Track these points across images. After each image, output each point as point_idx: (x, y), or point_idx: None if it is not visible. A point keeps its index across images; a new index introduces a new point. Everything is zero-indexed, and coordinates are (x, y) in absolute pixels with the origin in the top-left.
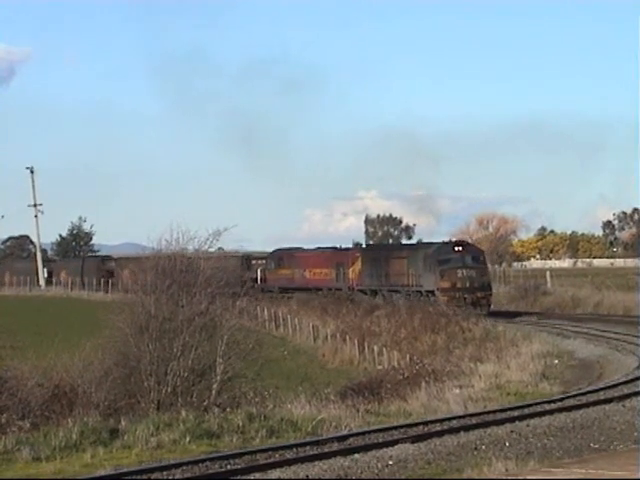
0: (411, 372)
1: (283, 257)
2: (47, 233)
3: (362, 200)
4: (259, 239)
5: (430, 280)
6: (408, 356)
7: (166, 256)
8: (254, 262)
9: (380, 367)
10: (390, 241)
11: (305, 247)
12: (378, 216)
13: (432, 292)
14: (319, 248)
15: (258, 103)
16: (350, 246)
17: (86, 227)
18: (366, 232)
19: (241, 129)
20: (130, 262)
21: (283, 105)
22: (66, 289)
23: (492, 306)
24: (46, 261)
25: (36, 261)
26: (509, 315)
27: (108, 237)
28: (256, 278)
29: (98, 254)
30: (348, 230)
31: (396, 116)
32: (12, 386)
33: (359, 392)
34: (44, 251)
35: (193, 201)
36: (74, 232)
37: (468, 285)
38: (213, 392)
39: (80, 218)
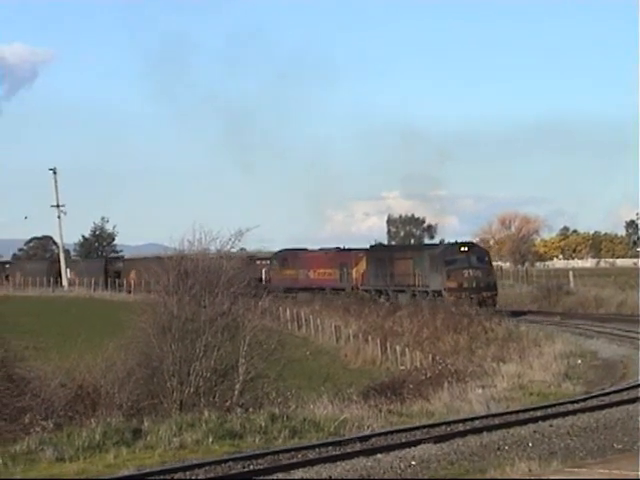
0: (433, 372)
1: (287, 257)
2: (70, 234)
3: (384, 200)
4: (281, 239)
5: (437, 280)
6: (430, 356)
7: (181, 256)
8: (258, 262)
9: (402, 367)
10: (412, 241)
11: (323, 247)
12: (400, 216)
13: (439, 292)
14: (322, 249)
15: (274, 105)
16: (354, 247)
17: (109, 228)
18: (388, 232)
19: (259, 130)
20: (136, 263)
21: (302, 106)
22: (89, 290)
23: (514, 306)
24: (52, 262)
25: (50, 261)
26: (531, 315)
27: (131, 238)
28: (260, 278)
29: (117, 254)
30: (370, 230)
31: (415, 116)
32: (35, 387)
33: (381, 392)
34: (67, 252)
35: (216, 201)
36: (97, 233)
37: (474, 285)
38: (236, 392)
39: (103, 219)
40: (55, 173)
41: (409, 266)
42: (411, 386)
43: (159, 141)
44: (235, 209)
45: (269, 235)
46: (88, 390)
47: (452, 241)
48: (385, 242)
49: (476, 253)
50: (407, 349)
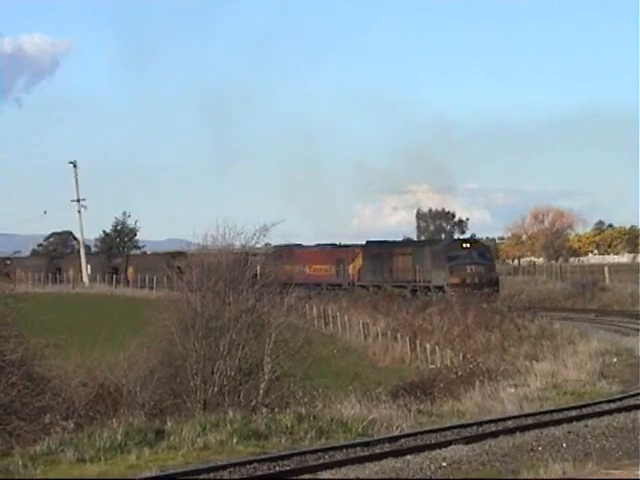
0: (464, 371)
1: (282, 254)
2: (91, 229)
3: (413, 194)
4: (308, 234)
5: (439, 276)
6: (461, 354)
7: (204, 252)
8: (253, 258)
9: (432, 366)
10: (443, 236)
11: (319, 243)
12: (430, 210)
13: (441, 288)
14: (319, 244)
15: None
16: (350, 243)
17: (130, 223)
18: (418, 227)
19: (290, 121)
20: (135, 259)
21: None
22: (110, 286)
23: (547, 303)
24: (55, 258)
25: (49, 257)
26: (565, 312)
27: (153, 233)
28: (256, 274)
29: (139, 250)
30: (399, 225)
31: (444, 108)
32: (55, 386)
33: (411, 392)
34: (88, 247)
35: (240, 196)
36: (118, 228)
37: (477, 281)
38: (261, 392)
39: (124, 213)
40: (75, 167)
41: (409, 262)
42: (441, 385)
43: (183, 135)
44: (260, 204)
45: (296, 230)
46: (109, 389)
47: (455, 237)
48: (414, 237)
49: (478, 249)
50: (437, 347)
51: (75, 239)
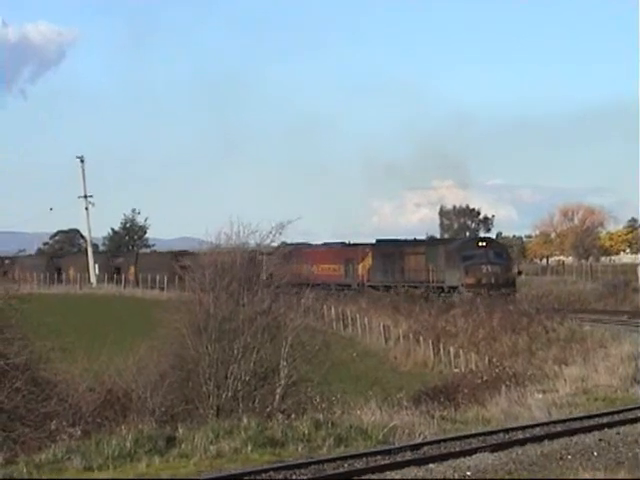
0: (490, 375)
1: (291, 253)
2: (99, 227)
3: (436, 190)
4: (325, 232)
5: (454, 276)
6: (487, 358)
7: (217, 251)
8: (260, 258)
9: (456, 370)
10: (467, 234)
11: (327, 242)
12: (454, 207)
13: (455, 288)
14: (327, 244)
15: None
16: (360, 242)
17: (140, 220)
18: (441, 224)
19: (303, 115)
20: (137, 258)
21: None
22: (119, 287)
23: (577, 304)
24: (55, 257)
25: (48, 256)
26: (596, 313)
27: (163, 231)
28: (270, 274)
29: (149, 248)
30: (421, 222)
31: (470, 101)
32: (62, 391)
33: (434, 397)
34: (95, 246)
35: (255, 193)
36: (127, 225)
37: (493, 281)
38: (277, 397)
39: (134, 210)
40: (83, 162)
41: (421, 261)
42: (466, 390)
43: (194, 129)
44: (276, 202)
45: (313, 228)
46: (118, 395)
47: (471, 236)
48: (438, 235)
49: (494, 248)
50: (461, 350)
51: (82, 237)
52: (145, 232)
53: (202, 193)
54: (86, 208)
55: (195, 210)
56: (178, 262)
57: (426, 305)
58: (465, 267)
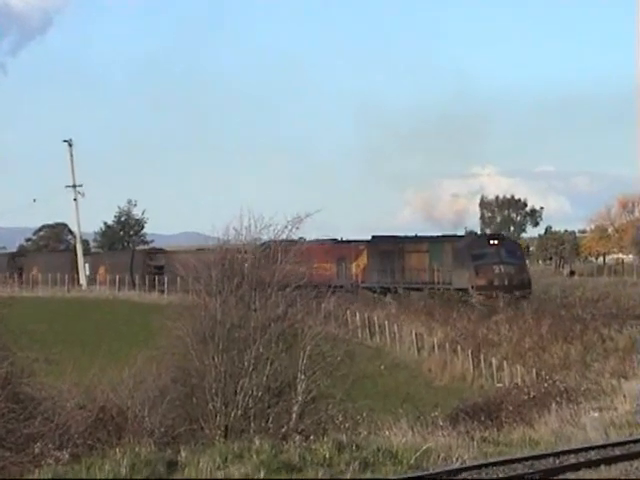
0: (538, 391)
1: (276, 251)
2: (90, 221)
3: (477, 178)
4: (349, 227)
5: (462, 277)
6: (534, 371)
7: (225, 248)
8: (239, 256)
9: (500, 385)
10: (512, 228)
11: (318, 238)
12: (497, 198)
13: (464, 290)
14: (317, 240)
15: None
16: (354, 238)
17: (136, 213)
18: (482, 217)
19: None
20: (106, 258)
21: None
22: (112, 289)
23: (637, 309)
24: (17, 256)
25: (73, 253)
26: None
27: (163, 226)
28: (243, 275)
29: (147, 245)
30: (459, 214)
31: (513, 78)
32: (47, 409)
33: (473, 416)
34: (85, 242)
35: (268, 185)
36: (122, 219)
37: (506, 283)
38: (293, 416)
39: (129, 202)
40: (71, 145)
41: (424, 260)
42: (510, 408)
43: (199, 109)
44: (292, 194)
45: (335, 222)
46: (112, 413)
47: (479, 232)
48: (478, 230)
49: (507, 246)
50: (505, 362)
51: (70, 233)
52: (142, 227)
53: (208, 183)
54: (75, 199)
55: (200, 202)
56: (151, 261)
57: (465, 310)
58: (475, 267)
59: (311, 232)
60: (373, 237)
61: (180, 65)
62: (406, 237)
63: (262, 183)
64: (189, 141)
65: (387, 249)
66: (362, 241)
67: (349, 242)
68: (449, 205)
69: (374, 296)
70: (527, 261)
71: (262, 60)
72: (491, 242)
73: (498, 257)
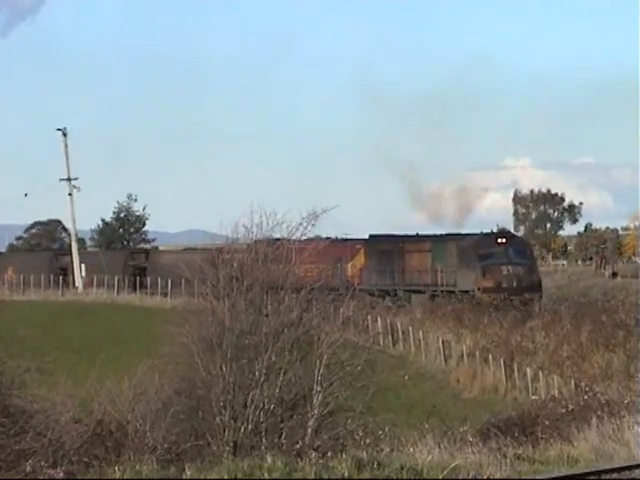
0: (577, 404)
1: (267, 250)
2: (86, 217)
3: (510, 170)
4: (366, 224)
5: (468, 278)
6: (573, 382)
7: (234, 248)
8: (229, 256)
9: (535, 397)
10: (548, 226)
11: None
12: (531, 192)
13: (469, 292)
14: (309, 239)
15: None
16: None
17: (137, 209)
18: (515, 214)
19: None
20: (86, 257)
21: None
22: (110, 293)
23: None
24: (57, 254)
25: (53, 253)
26: None
27: (166, 223)
28: (232, 276)
29: (149, 244)
30: (490, 211)
31: (550, 61)
32: (40, 423)
33: (506, 431)
34: (81, 241)
35: (279, 179)
36: (121, 215)
37: (515, 285)
38: (309, 431)
39: (129, 197)
40: (65, 135)
41: (426, 260)
42: (547, 422)
43: (205, 96)
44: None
45: (351, 220)
46: (110, 427)
47: (487, 230)
48: (511, 227)
49: (516, 245)
50: (541, 372)
51: (65, 230)
52: (144, 224)
53: (215, 177)
54: (70, 193)
55: (206, 198)
56: (134, 262)
57: (497, 315)
58: (482, 267)
59: (328, 229)
60: (371, 236)
61: (176, 49)
62: (406, 236)
63: (272, 176)
64: (193, 131)
65: (386, 248)
66: (359, 240)
67: (344, 240)
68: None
69: (371, 299)
70: (537, 261)
71: (259, 49)
72: (499, 241)
73: (506, 257)
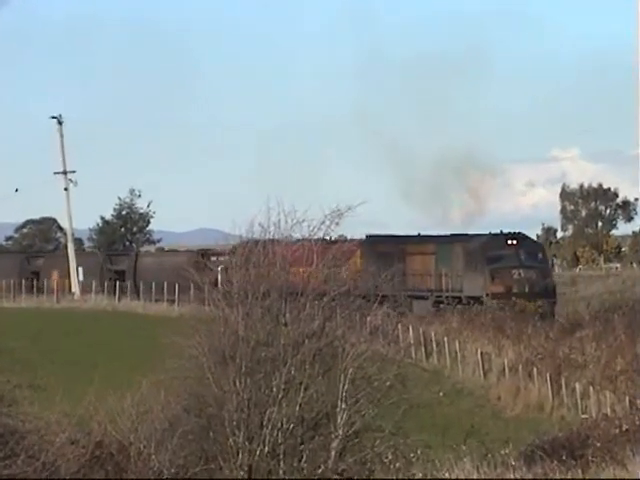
0: (632, 423)
1: (253, 251)
2: (84, 215)
3: (557, 163)
4: (398, 222)
5: (475, 283)
6: (627, 399)
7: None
8: (214, 259)
9: (585, 416)
10: (600, 224)
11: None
12: (581, 187)
13: (477, 299)
14: (301, 240)
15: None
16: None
17: (141, 206)
18: (562, 211)
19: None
20: (58, 260)
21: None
22: (111, 299)
23: None
24: (28, 257)
25: (24, 257)
26: None
27: (174, 222)
28: (216, 281)
29: (154, 244)
30: (535, 208)
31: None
32: (33, 444)
33: (553, 453)
34: (78, 241)
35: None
36: (123, 213)
37: (527, 290)
38: (332, 453)
39: (132, 192)
40: (61, 123)
41: (430, 264)
42: (598, 444)
43: (213, 84)
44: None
45: (381, 217)
46: (111, 449)
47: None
48: (558, 225)
49: (527, 247)
50: (592, 388)
51: (60, 229)
52: (148, 222)
53: (228, 170)
54: (65, 188)
55: (219, 194)
56: (111, 265)
57: (542, 324)
58: (491, 271)
59: (355, 228)
60: (368, 236)
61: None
62: (408, 236)
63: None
64: (201, 120)
65: (385, 250)
66: (354, 240)
67: (338, 242)
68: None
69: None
70: (550, 264)
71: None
72: (509, 242)
73: (517, 260)
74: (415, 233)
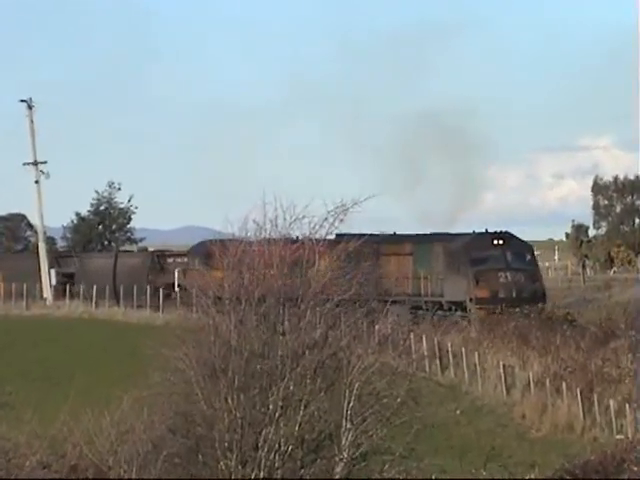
0: None
1: (213, 253)
2: (57, 211)
3: (589, 152)
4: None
5: (457, 287)
6: None
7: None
8: (171, 260)
9: (620, 436)
10: (637, 221)
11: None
12: (616, 179)
13: (459, 304)
14: (265, 239)
15: None
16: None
17: (121, 201)
18: (595, 205)
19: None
20: (5, 261)
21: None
22: (88, 306)
23: None
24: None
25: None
26: None
27: (159, 218)
28: (173, 284)
29: (137, 244)
30: (564, 202)
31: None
32: (0, 467)
33: (585, 478)
34: (50, 240)
35: (298, 168)
36: (101, 209)
37: (514, 295)
38: (337, 477)
39: (111, 186)
40: (31, 108)
41: (407, 266)
42: (635, 469)
43: (207, 66)
44: (330, 180)
45: (391, 213)
46: (87, 474)
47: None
48: (590, 222)
49: (515, 248)
50: (628, 405)
51: (30, 227)
52: (129, 219)
53: (219, 162)
54: (36, 181)
55: (207, 188)
56: (60, 268)
57: (571, 334)
58: (475, 274)
59: (362, 224)
60: (338, 235)
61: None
62: (382, 236)
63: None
64: (189, 107)
65: (358, 251)
66: (322, 240)
67: (304, 242)
68: (549, 188)
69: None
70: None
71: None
72: (495, 242)
73: (504, 261)
74: (390, 232)
